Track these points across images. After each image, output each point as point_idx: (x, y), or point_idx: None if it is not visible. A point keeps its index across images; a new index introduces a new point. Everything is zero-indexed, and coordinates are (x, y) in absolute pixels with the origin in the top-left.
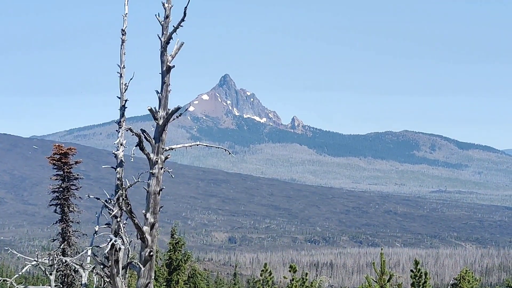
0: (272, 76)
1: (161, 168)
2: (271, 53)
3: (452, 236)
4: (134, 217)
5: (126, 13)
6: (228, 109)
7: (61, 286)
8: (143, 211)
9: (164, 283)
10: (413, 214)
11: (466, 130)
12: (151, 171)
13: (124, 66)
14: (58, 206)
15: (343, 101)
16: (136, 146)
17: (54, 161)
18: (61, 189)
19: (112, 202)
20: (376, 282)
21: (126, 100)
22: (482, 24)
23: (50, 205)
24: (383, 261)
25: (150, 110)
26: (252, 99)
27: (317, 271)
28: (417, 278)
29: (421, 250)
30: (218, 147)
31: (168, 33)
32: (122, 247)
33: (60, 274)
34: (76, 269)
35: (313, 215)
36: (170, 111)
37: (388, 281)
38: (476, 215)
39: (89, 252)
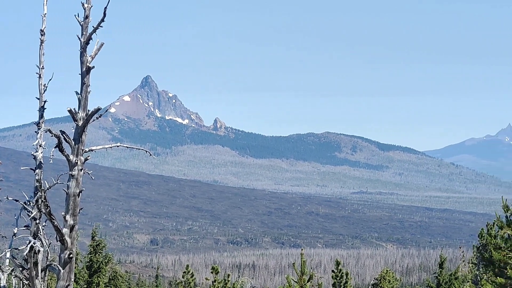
0: (194, 77)
1: (81, 169)
2: (193, 55)
3: (373, 236)
4: (53, 219)
5: (45, 13)
6: (150, 111)
7: None
8: (63, 213)
9: (85, 286)
10: (335, 215)
11: (387, 131)
12: (70, 172)
13: (43, 66)
14: None
15: (266, 103)
16: (55, 147)
17: None
18: None
19: (31, 204)
20: (296, 282)
21: (45, 101)
22: (402, 25)
23: None
24: (303, 261)
25: (70, 111)
26: (174, 101)
27: (239, 272)
28: (338, 278)
29: (343, 251)
30: (139, 149)
31: (88, 34)
32: (41, 249)
33: None
34: None
35: (236, 216)
36: (90, 112)
37: (308, 281)
38: (397, 216)
39: (8, 255)
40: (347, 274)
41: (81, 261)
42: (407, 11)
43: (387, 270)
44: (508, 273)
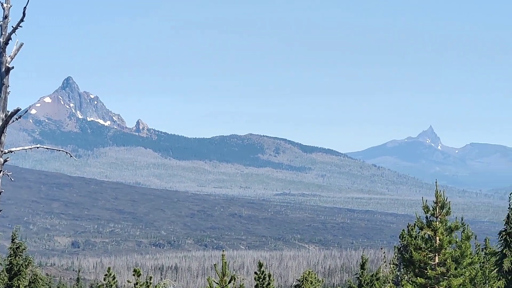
0: (116, 79)
1: (0, 171)
2: (115, 56)
3: (295, 238)
4: None
5: None
6: (71, 112)
7: None
8: None
9: None
10: (258, 216)
11: (309, 133)
12: None
13: None
14: None
15: (188, 105)
16: None
17: None
18: None
19: None
20: (217, 284)
21: None
22: (326, 25)
23: None
24: (225, 263)
25: None
26: (96, 102)
27: (161, 274)
28: (261, 280)
29: (266, 252)
30: (60, 150)
31: (7, 34)
32: None
33: None
34: None
35: (158, 218)
36: (9, 113)
37: (230, 282)
38: (319, 217)
39: None
40: (269, 275)
41: (0, 264)
42: (321, 11)
43: (309, 272)
44: (428, 273)
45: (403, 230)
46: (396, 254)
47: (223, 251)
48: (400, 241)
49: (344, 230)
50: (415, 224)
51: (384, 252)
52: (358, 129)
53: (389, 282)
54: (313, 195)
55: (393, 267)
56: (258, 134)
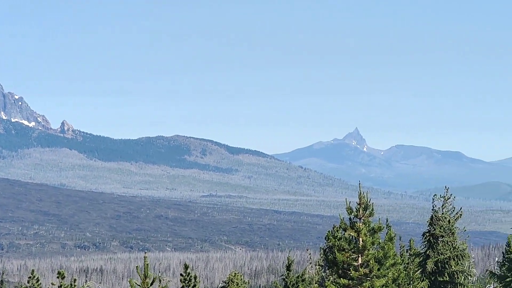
0: (41, 80)
1: None
2: (40, 57)
3: (222, 239)
4: None
5: None
6: None
7: None
8: None
9: None
10: (184, 218)
11: (236, 135)
12: None
13: None
14: None
15: (114, 106)
16: None
17: None
18: None
19: None
20: (139, 286)
21: None
22: (250, 25)
23: None
24: (147, 264)
25: None
26: (20, 103)
27: (86, 277)
28: (186, 281)
29: (192, 254)
30: None
31: None
32: None
33: None
34: None
35: (83, 220)
36: None
37: (152, 284)
38: (246, 219)
39: None
40: (195, 277)
41: None
42: (249, 15)
43: (235, 273)
44: (351, 274)
45: (329, 231)
46: (321, 255)
47: (145, 253)
48: (325, 242)
49: (270, 231)
50: (340, 226)
51: (310, 254)
52: (285, 131)
53: (315, 283)
54: (239, 196)
55: (319, 268)
56: (184, 136)
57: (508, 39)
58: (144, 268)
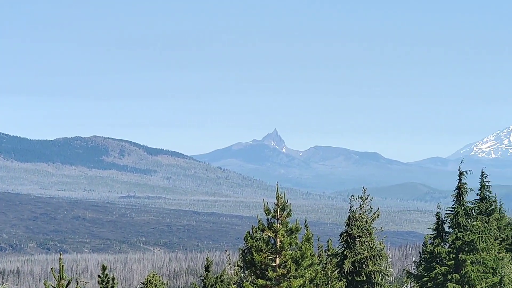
0: None
1: None
2: None
3: (140, 241)
4: None
5: None
6: None
7: None
8: None
9: None
10: (102, 219)
11: (155, 136)
12: None
13: None
14: None
15: (31, 106)
16: None
17: None
18: None
19: None
20: (54, 287)
21: None
22: (174, 28)
23: None
24: (62, 266)
25: None
26: None
27: (3, 278)
28: (104, 283)
29: (110, 256)
30: None
31: None
32: None
33: None
34: None
35: (0, 221)
36: None
37: (67, 285)
38: (165, 220)
39: None
40: (113, 278)
41: None
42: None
43: (153, 274)
44: (269, 274)
45: (247, 232)
46: (240, 256)
47: (60, 254)
48: (244, 243)
49: (189, 232)
50: (258, 227)
51: (229, 254)
52: (204, 132)
53: (234, 284)
54: (158, 197)
55: (238, 269)
56: (102, 136)
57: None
58: (60, 270)
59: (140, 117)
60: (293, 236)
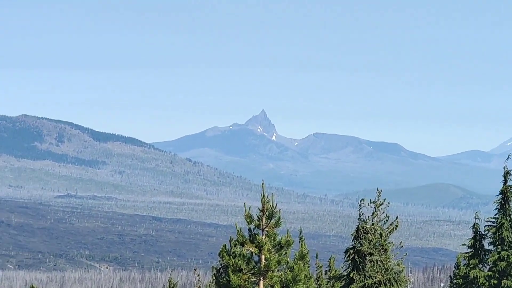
0: None
1: None
2: None
3: (83, 255)
4: None
5: None
6: None
7: None
8: None
9: None
10: (33, 226)
11: (104, 117)
12: None
13: None
14: None
15: None
16: None
17: None
18: None
19: None
20: None
21: None
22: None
23: None
24: None
25: None
26: None
27: None
28: None
29: (42, 274)
30: None
31: None
32: None
33: None
34: None
35: None
36: None
37: None
38: (116, 228)
39: None
40: None
41: None
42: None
43: None
44: None
45: (223, 246)
46: (213, 278)
47: None
48: (219, 261)
49: (148, 245)
50: (237, 239)
51: (199, 275)
52: (169, 113)
53: None
54: (107, 198)
55: None
56: (34, 116)
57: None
58: None
59: (85, 91)
60: (283, 253)
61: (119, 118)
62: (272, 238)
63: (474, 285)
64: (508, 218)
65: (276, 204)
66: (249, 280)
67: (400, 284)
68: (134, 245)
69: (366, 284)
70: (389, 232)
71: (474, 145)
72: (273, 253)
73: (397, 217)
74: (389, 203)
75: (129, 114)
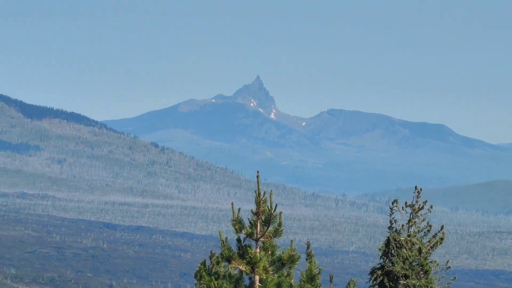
0: None
1: None
2: None
3: (7, 275)
4: None
5: None
6: None
7: None
8: None
9: None
10: None
11: (39, 86)
12: None
13: None
14: None
15: None
16: None
17: None
18: None
19: None
20: None
21: None
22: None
23: None
24: None
25: None
26: None
27: None
28: None
29: None
30: None
31: None
32: None
33: None
34: None
35: None
36: None
37: None
38: (53, 238)
39: None
40: None
41: None
42: None
43: None
44: None
45: (202, 263)
46: None
47: None
48: (195, 284)
49: (96, 262)
50: (221, 253)
51: None
52: (128, 83)
53: None
54: (42, 196)
55: None
56: None
57: None
58: None
59: (13, 51)
60: (285, 273)
61: (59, 88)
62: (269, 252)
63: None
64: None
65: (276, 205)
66: None
67: None
68: (78, 262)
69: None
70: (432, 247)
71: None
72: (270, 272)
73: (442, 227)
74: (431, 207)
75: (72, 83)
